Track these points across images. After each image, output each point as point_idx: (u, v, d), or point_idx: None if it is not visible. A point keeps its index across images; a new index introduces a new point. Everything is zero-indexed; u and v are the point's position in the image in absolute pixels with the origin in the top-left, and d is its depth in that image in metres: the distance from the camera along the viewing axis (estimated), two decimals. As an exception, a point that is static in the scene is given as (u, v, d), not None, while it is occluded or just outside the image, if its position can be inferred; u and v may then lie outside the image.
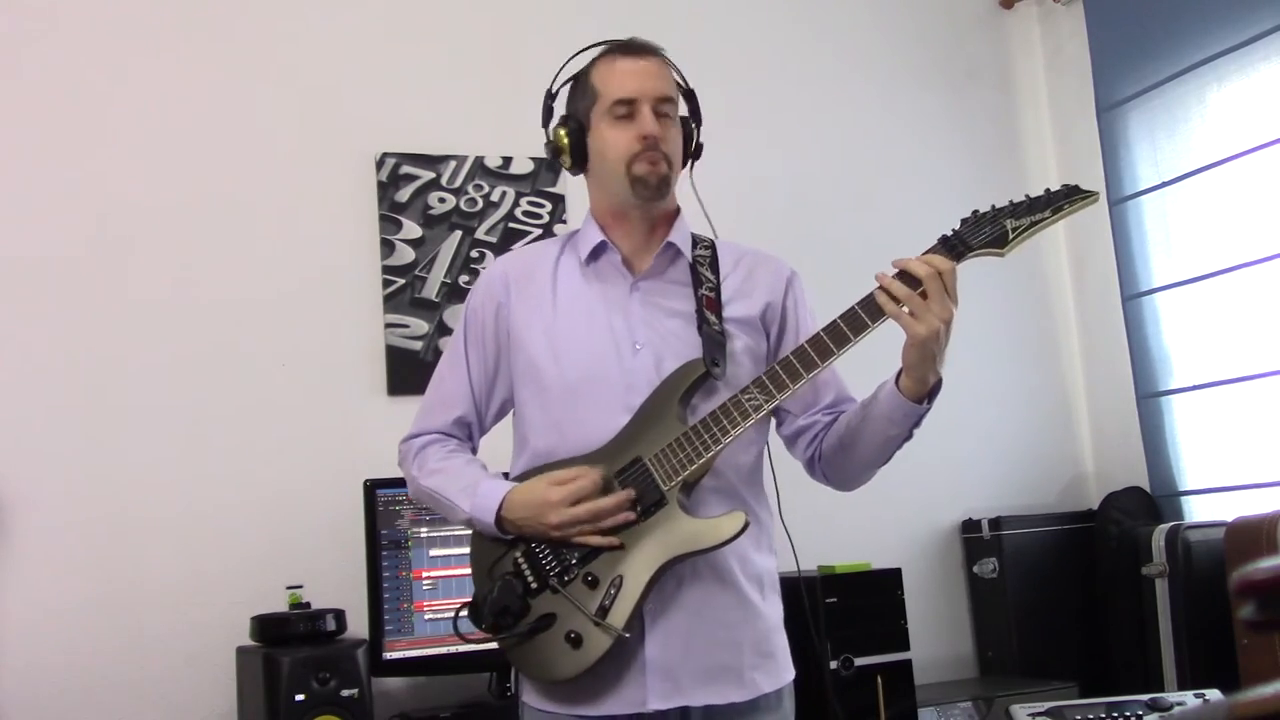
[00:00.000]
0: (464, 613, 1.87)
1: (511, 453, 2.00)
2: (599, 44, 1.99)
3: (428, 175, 3.18)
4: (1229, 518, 2.99)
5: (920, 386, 1.78)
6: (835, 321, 1.78)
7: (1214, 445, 3.38)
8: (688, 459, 1.80)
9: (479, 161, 3.23)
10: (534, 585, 1.83)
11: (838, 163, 3.65)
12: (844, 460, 1.94)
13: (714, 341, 1.88)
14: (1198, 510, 3.37)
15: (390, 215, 3.13)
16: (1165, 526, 3.17)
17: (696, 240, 2.00)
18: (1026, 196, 1.80)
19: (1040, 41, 3.97)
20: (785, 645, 1.94)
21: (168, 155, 2.98)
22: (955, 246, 1.77)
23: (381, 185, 3.14)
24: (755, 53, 3.56)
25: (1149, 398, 3.51)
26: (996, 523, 3.45)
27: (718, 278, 1.95)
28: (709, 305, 1.91)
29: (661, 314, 1.92)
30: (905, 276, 1.74)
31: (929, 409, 1.82)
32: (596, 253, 1.96)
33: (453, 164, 3.21)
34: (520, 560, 1.84)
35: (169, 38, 3.03)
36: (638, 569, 1.78)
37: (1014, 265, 2.09)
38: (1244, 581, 0.79)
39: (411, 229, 3.15)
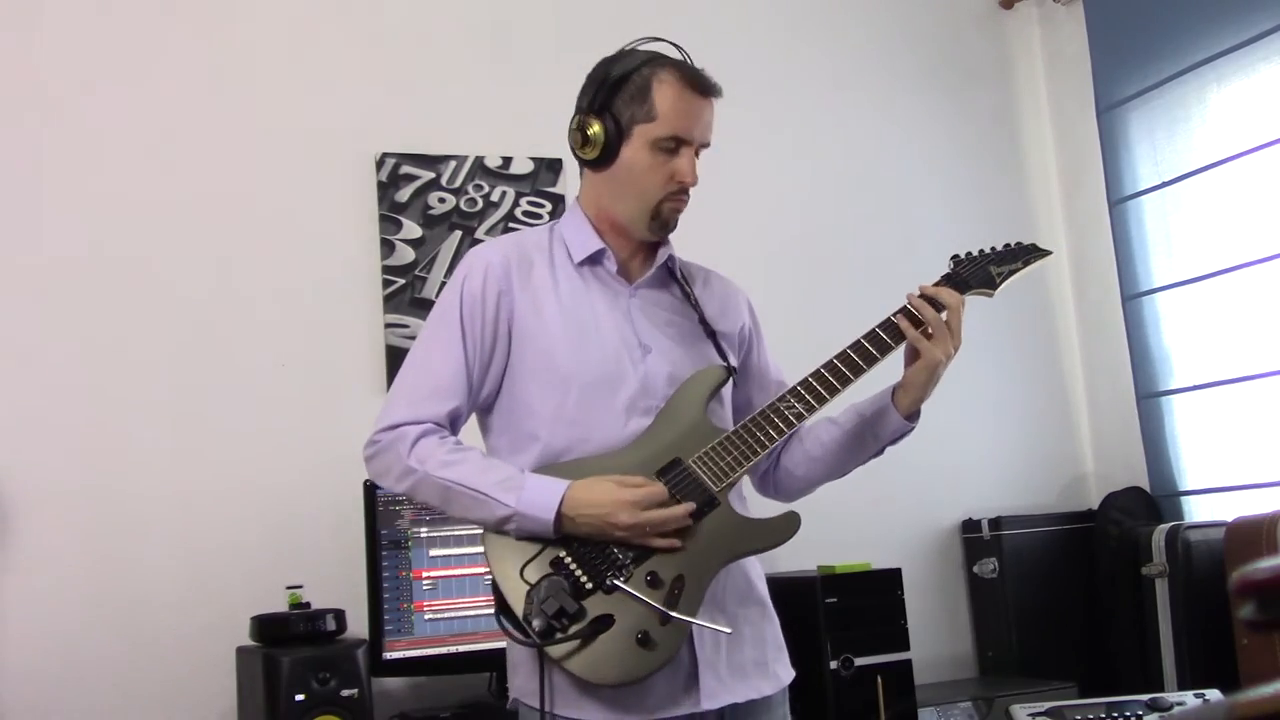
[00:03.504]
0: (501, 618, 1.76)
1: (499, 446, 1.90)
2: (659, 40, 1.92)
3: (428, 175, 3.18)
4: (1229, 518, 3.00)
5: (915, 405, 1.90)
6: (860, 340, 1.88)
7: (1214, 445, 3.37)
8: (735, 462, 1.82)
9: (479, 161, 3.23)
10: (588, 585, 1.74)
11: (837, 164, 3.65)
12: (808, 471, 2.01)
13: (720, 350, 1.93)
14: (1198, 510, 3.37)
15: (390, 215, 3.13)
16: (1165, 526, 3.17)
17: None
18: (1006, 245, 2.01)
19: (1040, 42, 3.97)
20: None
21: (168, 155, 2.97)
22: (960, 285, 1.93)
23: (381, 185, 3.14)
24: (753, 55, 3.56)
25: (1149, 398, 3.51)
26: (996, 523, 3.45)
27: (694, 293, 1.99)
28: (702, 319, 1.96)
29: (661, 321, 1.93)
30: (930, 301, 1.87)
31: (913, 429, 1.93)
32: (593, 258, 1.92)
33: (453, 164, 3.21)
34: (568, 560, 1.75)
35: (168, 37, 3.03)
36: (699, 569, 1.77)
37: (1014, 265, 2.10)
38: (1244, 581, 0.79)
39: (411, 229, 3.15)
